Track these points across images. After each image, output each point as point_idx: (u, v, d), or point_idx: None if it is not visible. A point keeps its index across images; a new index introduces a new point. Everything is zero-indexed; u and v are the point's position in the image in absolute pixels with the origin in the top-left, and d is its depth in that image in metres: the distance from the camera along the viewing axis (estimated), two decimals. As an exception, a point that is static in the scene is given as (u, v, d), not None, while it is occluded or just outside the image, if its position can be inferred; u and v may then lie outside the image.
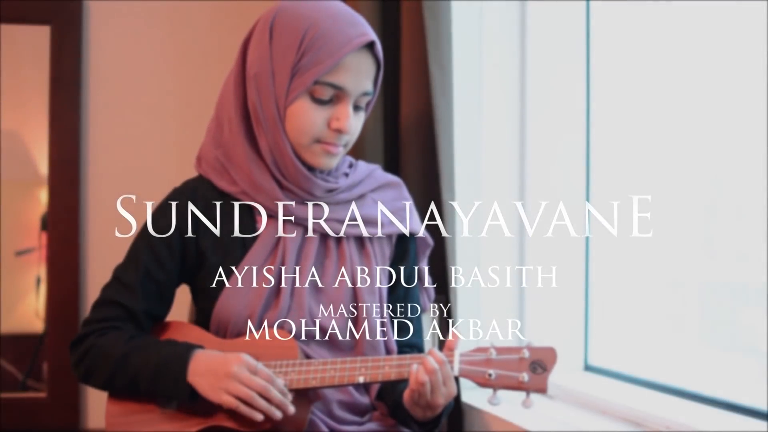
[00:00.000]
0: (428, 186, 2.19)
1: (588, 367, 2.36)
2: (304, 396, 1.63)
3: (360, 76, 1.69)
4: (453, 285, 2.18)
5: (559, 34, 2.38)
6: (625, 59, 2.34)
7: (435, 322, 2.20)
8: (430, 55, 2.14)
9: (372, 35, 1.70)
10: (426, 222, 2.16)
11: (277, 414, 1.58)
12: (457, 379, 1.59)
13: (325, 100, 1.69)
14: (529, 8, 2.37)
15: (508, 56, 2.39)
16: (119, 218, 2.77)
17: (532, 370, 1.53)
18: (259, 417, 1.57)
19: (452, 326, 2.18)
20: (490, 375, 1.53)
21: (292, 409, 1.59)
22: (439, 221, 2.17)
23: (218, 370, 1.60)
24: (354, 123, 1.72)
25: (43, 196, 2.81)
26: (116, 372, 1.67)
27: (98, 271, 2.76)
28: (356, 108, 1.73)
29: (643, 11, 2.28)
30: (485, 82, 2.37)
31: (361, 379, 1.59)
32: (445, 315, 2.19)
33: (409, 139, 2.22)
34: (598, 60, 2.38)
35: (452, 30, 2.19)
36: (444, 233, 2.16)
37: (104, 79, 2.85)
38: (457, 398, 2.21)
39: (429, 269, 2.04)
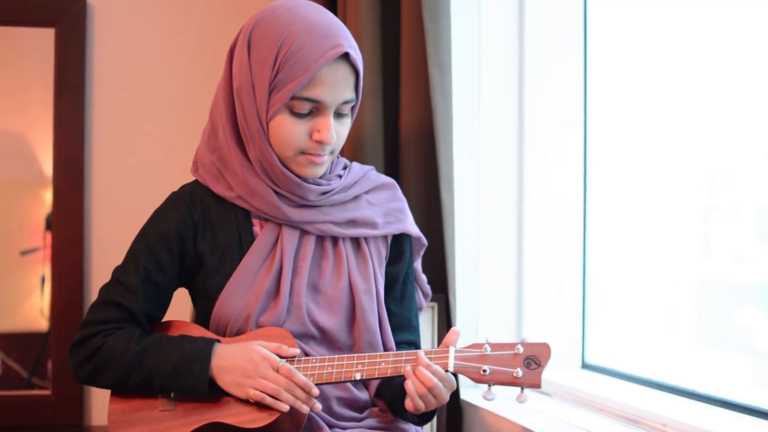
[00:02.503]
0: (428, 186, 2.21)
1: (585, 365, 2.37)
2: (302, 393, 1.66)
3: (337, 88, 1.67)
4: (452, 284, 2.20)
5: (557, 34, 2.39)
6: (623, 60, 2.35)
7: (434, 321, 2.21)
8: (430, 57, 2.16)
9: (346, 46, 1.67)
10: (426, 222, 2.18)
11: (305, 408, 1.61)
12: (455, 375, 1.60)
13: (304, 114, 1.68)
14: (527, 9, 2.38)
15: (507, 57, 2.40)
16: (123, 218, 2.77)
17: (527, 365, 1.54)
18: (285, 407, 1.60)
19: (453, 324, 2.19)
20: (484, 371, 1.54)
21: (318, 405, 1.62)
22: (438, 221, 2.18)
23: (245, 367, 1.62)
24: (338, 131, 1.71)
25: (47, 196, 2.81)
26: (131, 370, 1.68)
27: (102, 271, 2.77)
28: (339, 115, 1.72)
29: (640, 15, 2.29)
30: (484, 83, 2.39)
31: (357, 376, 1.61)
32: (444, 313, 2.21)
33: (409, 140, 2.23)
34: (596, 61, 2.39)
35: (451, 31, 2.20)
36: (443, 233, 2.17)
37: (108, 80, 2.86)
38: (456, 395, 2.23)
39: (428, 268, 2.06)
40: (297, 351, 1.66)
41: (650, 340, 2.23)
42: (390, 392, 1.75)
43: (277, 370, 1.62)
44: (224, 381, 1.64)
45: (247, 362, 1.63)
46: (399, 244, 1.85)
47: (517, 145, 2.40)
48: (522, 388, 1.54)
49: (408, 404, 1.60)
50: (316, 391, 1.62)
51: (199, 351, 1.65)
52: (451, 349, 1.58)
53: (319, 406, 1.63)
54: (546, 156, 2.39)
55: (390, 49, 2.29)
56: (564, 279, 2.38)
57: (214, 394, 1.65)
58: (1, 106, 2.82)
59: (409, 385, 1.57)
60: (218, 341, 1.68)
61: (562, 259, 2.38)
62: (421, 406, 1.59)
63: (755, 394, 1.85)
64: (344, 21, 2.28)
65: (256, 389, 1.61)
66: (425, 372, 1.56)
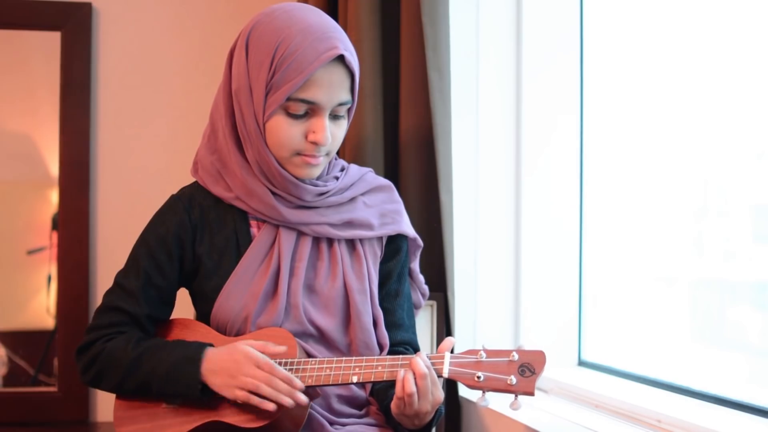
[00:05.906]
0: (427, 188, 2.23)
1: (582, 363, 2.39)
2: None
3: (332, 89, 1.69)
4: (451, 282, 2.22)
5: (555, 38, 2.41)
6: (619, 65, 2.36)
7: (433, 319, 2.23)
8: (429, 61, 2.17)
9: (341, 48, 1.68)
10: (425, 223, 2.20)
11: (287, 400, 1.60)
12: (450, 381, 1.60)
13: (300, 115, 1.70)
14: (524, 13, 2.40)
15: (505, 60, 2.41)
16: (127, 218, 2.79)
17: (521, 373, 1.53)
18: (271, 406, 1.60)
19: (451, 321, 2.21)
20: (478, 377, 1.53)
21: (303, 398, 1.61)
22: (438, 221, 2.21)
23: (230, 368, 1.63)
24: (334, 132, 1.73)
25: (54, 196, 2.83)
26: (127, 376, 1.70)
27: (107, 270, 2.80)
28: (335, 117, 1.73)
29: (637, 26, 2.30)
30: (482, 86, 2.40)
31: (354, 379, 1.61)
32: (443, 311, 2.23)
33: (408, 143, 2.25)
34: (593, 64, 2.40)
35: (450, 36, 2.22)
36: (443, 233, 2.19)
37: (113, 82, 2.88)
38: (455, 393, 2.25)
39: (428, 268, 2.08)
40: (283, 348, 1.66)
41: (645, 338, 2.24)
42: (384, 402, 1.75)
43: (259, 366, 1.62)
44: (214, 383, 1.65)
45: (231, 362, 1.63)
46: (394, 243, 1.87)
47: (515, 146, 2.42)
48: (516, 396, 1.54)
49: (393, 404, 1.60)
50: (298, 383, 1.61)
51: (189, 356, 1.67)
52: (447, 355, 1.58)
53: (304, 398, 1.61)
54: (543, 157, 2.40)
55: (390, 53, 2.30)
56: (560, 278, 2.40)
57: (212, 394, 1.67)
58: (8, 108, 2.84)
59: (400, 373, 1.57)
60: (211, 345, 1.69)
61: (559, 258, 2.40)
62: (401, 405, 1.58)
63: (748, 391, 1.86)
64: (344, 26, 2.30)
65: (241, 389, 1.62)
66: (420, 363, 1.56)
